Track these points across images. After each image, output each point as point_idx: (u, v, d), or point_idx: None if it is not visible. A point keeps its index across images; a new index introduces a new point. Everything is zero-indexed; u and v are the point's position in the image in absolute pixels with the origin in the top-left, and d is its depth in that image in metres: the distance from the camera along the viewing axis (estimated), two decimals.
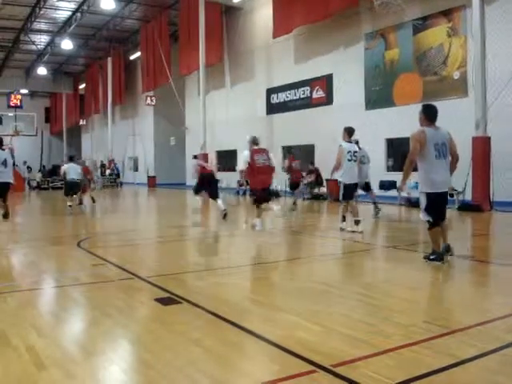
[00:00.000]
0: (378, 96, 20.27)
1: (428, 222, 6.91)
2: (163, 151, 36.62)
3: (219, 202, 13.59)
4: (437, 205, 6.87)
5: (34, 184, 33.88)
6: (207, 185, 14.17)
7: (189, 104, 33.17)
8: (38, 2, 29.45)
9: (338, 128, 21.33)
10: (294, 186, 17.38)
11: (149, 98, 35.65)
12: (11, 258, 8.56)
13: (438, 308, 5.02)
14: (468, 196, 16.00)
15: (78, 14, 31.42)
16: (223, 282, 6.23)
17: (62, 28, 34.50)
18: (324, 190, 20.79)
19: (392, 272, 6.84)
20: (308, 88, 23.79)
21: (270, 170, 11.02)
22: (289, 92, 24.92)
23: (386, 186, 18.19)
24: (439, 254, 6.87)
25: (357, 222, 10.16)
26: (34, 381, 3.31)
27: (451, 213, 15.05)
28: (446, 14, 17.70)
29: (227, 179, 27.31)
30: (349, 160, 10.24)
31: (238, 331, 4.23)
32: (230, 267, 7.15)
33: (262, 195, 10.94)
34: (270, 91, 26.19)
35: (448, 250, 6.97)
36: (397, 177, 18.37)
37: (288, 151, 19.96)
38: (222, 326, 4.40)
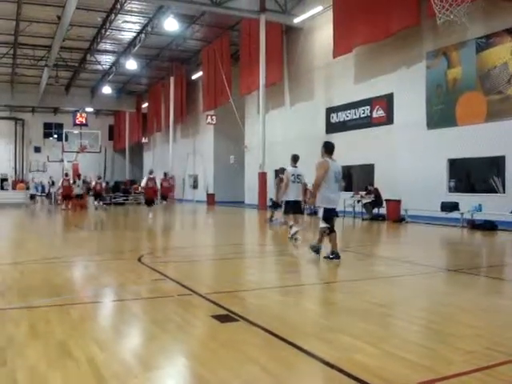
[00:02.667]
0: (440, 115, 19.91)
1: (328, 228, 9.11)
2: (223, 169, 37.01)
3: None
4: (332, 216, 9.15)
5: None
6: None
7: (248, 123, 33.46)
8: (104, 23, 30.49)
9: (399, 148, 21.36)
10: (148, 201, 22.43)
11: (209, 117, 36.18)
12: (74, 271, 8.78)
13: (501, 334, 4.82)
14: None
15: (142, 35, 32.34)
16: (281, 300, 6.20)
17: (127, 48, 35.57)
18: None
19: (453, 296, 6.65)
20: (368, 107, 23.60)
21: (155, 189, 22.41)
22: (348, 111, 24.80)
23: (448, 207, 17.75)
24: (337, 254, 9.05)
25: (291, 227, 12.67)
26: None
27: None
28: (511, 32, 17.29)
29: None
30: (292, 182, 12.51)
31: (296, 351, 4.19)
32: (288, 286, 7.11)
33: (148, 201, 21.96)
34: (330, 110, 26.12)
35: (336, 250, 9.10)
36: (459, 198, 18.05)
37: (150, 172, 22.97)
38: (280, 345, 4.36)
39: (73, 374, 3.67)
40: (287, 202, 12.74)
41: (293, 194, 12.51)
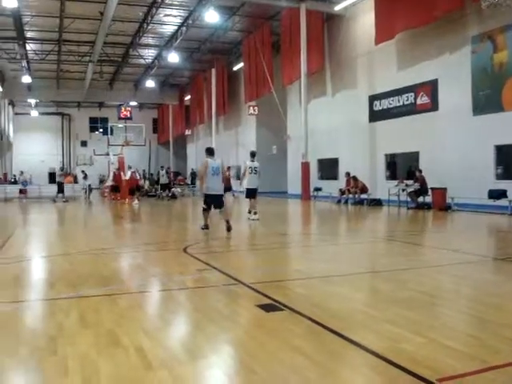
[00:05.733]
0: (486, 101, 19.42)
1: (204, 208, 12.40)
2: (265, 160, 36.90)
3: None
4: (210, 201, 12.29)
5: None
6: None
7: (290, 113, 33.34)
8: (146, 17, 30.74)
9: (444, 135, 20.96)
10: (131, 191, 27.70)
11: (251, 108, 36.15)
12: (121, 262, 8.96)
13: None
14: None
15: (184, 28, 32.46)
16: (327, 290, 6.18)
17: (169, 42, 35.78)
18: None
19: (502, 285, 6.51)
20: (412, 94, 23.21)
21: (133, 182, 27.73)
22: (392, 99, 24.43)
23: (496, 195, 17.34)
24: (206, 226, 12.48)
25: (253, 213, 15.61)
26: (142, 381, 3.44)
27: None
28: None
29: (329, 188, 27.16)
30: (250, 173, 15.54)
31: (341, 341, 4.18)
32: (333, 275, 7.07)
33: (131, 191, 27.25)
34: (373, 98, 25.81)
35: (228, 228, 12.22)
36: (508, 185, 17.62)
37: (129, 167, 29.92)
38: (325, 334, 4.36)
39: (122, 362, 3.76)
40: (247, 189, 15.63)
41: (250, 182, 15.58)
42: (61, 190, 29.36)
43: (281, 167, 35.10)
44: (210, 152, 12.73)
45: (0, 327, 4.74)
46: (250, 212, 15.75)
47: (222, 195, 12.67)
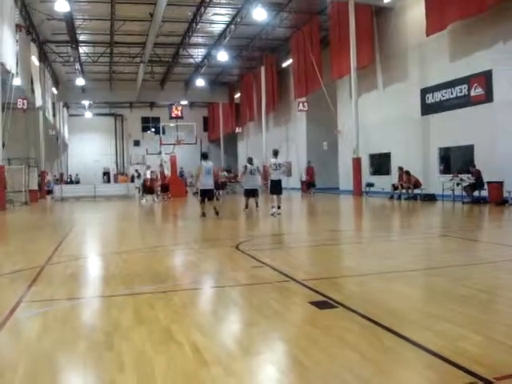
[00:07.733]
0: None
1: (200, 200, 15.93)
2: (316, 156, 36.76)
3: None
4: (204, 194, 15.82)
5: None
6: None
7: (340, 108, 33.05)
8: (195, 17, 31.01)
9: (500, 126, 20.37)
10: (150, 190, 28.63)
11: (301, 104, 35.97)
12: (175, 259, 9.08)
13: None
14: None
15: (232, 27, 32.62)
16: (381, 287, 6.11)
17: (218, 41, 36.02)
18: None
19: None
20: (465, 86, 22.63)
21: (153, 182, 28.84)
22: (445, 91, 23.89)
23: None
24: (203, 214, 15.86)
25: (276, 207, 16.37)
26: (197, 376, 3.48)
27: None
28: None
29: (381, 183, 26.82)
30: (274, 169, 16.57)
31: (396, 338, 4.13)
32: (387, 272, 6.99)
33: (150, 190, 28.38)
34: (425, 91, 25.30)
35: (217, 213, 15.77)
36: None
37: (147, 167, 30.54)
38: (379, 332, 4.31)
39: (177, 358, 3.81)
40: (271, 182, 16.65)
41: (273, 176, 16.58)
42: (146, 189, 28.45)
43: (332, 163, 34.87)
44: (204, 156, 16.44)
45: (60, 323, 4.88)
46: (273, 207, 16.32)
47: (213, 189, 16.11)
